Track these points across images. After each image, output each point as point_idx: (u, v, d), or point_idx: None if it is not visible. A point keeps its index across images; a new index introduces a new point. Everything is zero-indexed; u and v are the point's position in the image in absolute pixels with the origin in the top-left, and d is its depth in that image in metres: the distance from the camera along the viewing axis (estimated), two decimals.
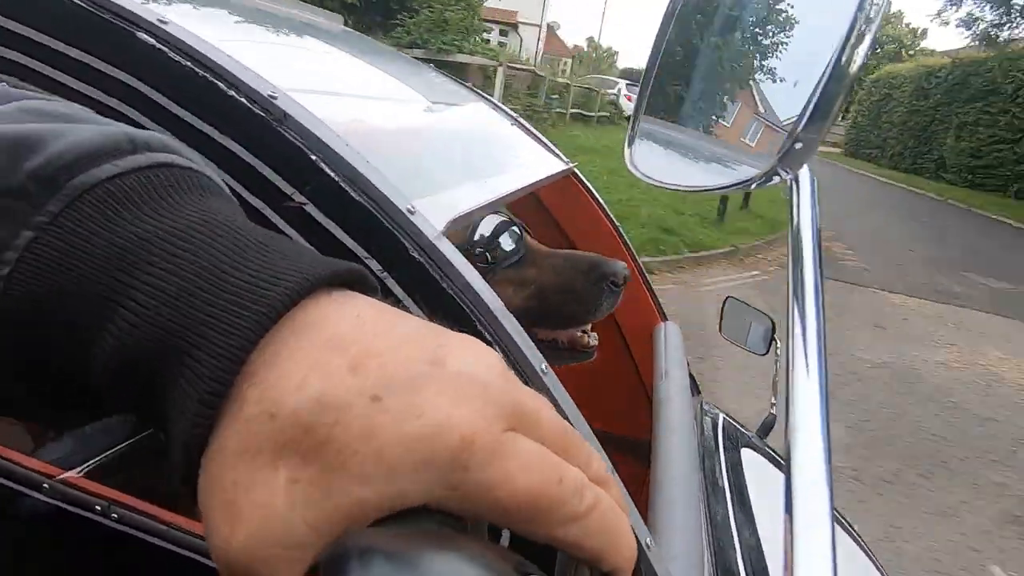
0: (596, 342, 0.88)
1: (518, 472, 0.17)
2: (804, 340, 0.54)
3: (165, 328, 0.17)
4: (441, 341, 0.18)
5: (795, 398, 0.51)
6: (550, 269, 0.85)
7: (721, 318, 1.23)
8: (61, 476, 0.61)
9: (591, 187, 1.15)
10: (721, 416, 1.15)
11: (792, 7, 0.78)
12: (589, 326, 0.88)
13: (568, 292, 0.83)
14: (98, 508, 0.59)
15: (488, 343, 0.43)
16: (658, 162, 0.80)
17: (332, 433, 0.16)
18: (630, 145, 0.80)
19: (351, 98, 0.53)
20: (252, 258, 0.18)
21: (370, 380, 0.17)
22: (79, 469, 0.63)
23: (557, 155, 1.07)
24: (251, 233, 0.20)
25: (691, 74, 0.84)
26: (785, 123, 0.64)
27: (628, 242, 1.16)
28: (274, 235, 0.20)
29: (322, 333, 0.18)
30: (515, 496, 0.16)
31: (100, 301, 0.18)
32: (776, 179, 0.60)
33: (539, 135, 1.11)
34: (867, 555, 0.99)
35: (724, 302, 1.23)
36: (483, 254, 0.78)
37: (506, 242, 0.80)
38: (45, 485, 0.60)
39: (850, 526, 1.04)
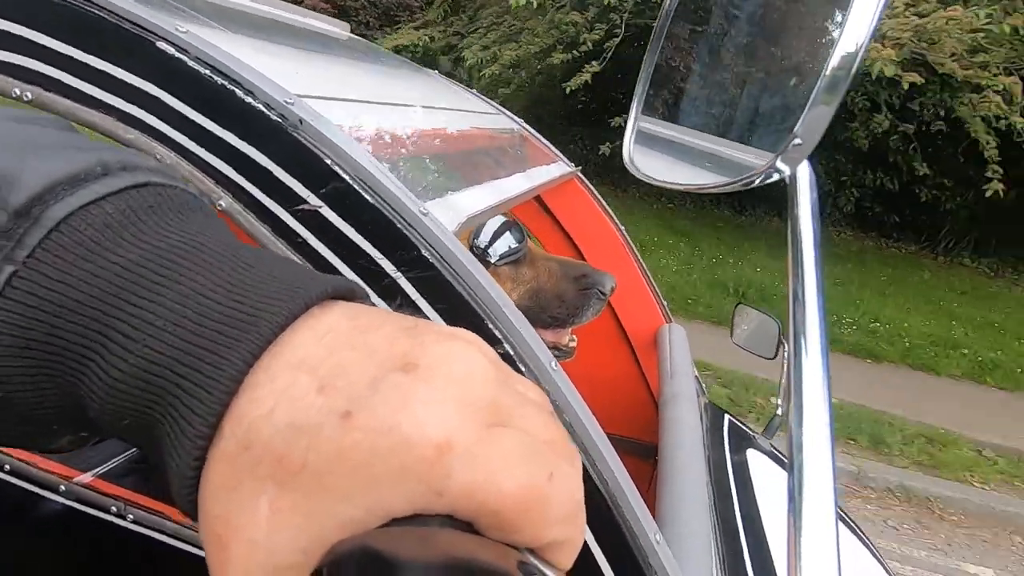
0: (575, 343, 0.95)
1: (503, 471, 0.16)
2: (806, 339, 0.54)
3: (152, 360, 0.17)
4: (415, 342, 0.18)
5: (798, 396, 0.51)
6: (546, 272, 0.91)
7: (732, 325, 1.23)
8: (78, 478, 0.62)
9: (594, 190, 1.17)
10: (727, 417, 1.15)
11: (791, 2, 0.79)
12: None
13: (559, 296, 0.90)
14: (114, 509, 0.60)
15: (498, 341, 0.44)
16: (657, 161, 0.80)
17: (307, 458, 0.16)
18: (629, 144, 0.81)
19: (363, 104, 0.55)
20: (237, 282, 0.18)
21: (339, 398, 0.16)
22: (95, 471, 0.64)
23: (561, 159, 1.08)
24: (236, 254, 0.19)
25: (689, 72, 0.85)
26: (784, 119, 0.65)
27: (631, 244, 1.17)
28: (260, 253, 0.20)
29: (293, 354, 0.17)
30: (502, 496, 0.16)
31: (85, 333, 0.18)
32: (776, 176, 0.61)
33: (543, 139, 1.12)
34: (871, 551, 0.99)
35: (735, 308, 1.24)
36: (485, 249, 0.83)
37: (509, 240, 0.85)
38: (62, 487, 0.61)
39: (853, 523, 1.05)
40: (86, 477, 0.63)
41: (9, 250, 0.18)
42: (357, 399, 0.16)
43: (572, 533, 0.17)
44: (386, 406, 0.16)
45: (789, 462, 0.49)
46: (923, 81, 4.52)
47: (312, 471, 0.16)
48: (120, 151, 0.21)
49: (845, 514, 1.02)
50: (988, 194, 4.91)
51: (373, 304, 0.21)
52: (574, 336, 0.95)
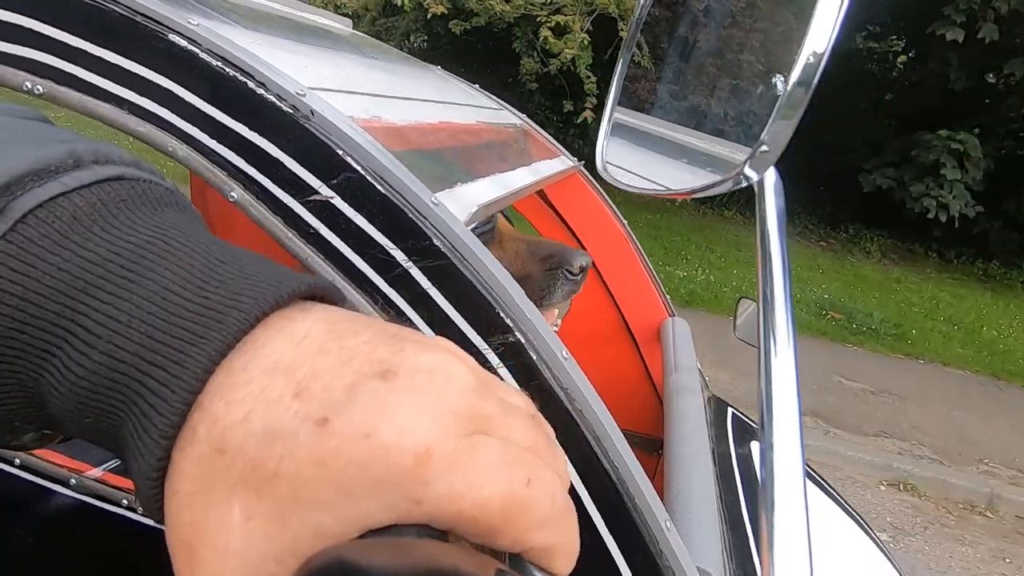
0: (557, 328, 0.93)
1: (482, 478, 0.16)
2: (775, 336, 0.60)
3: (116, 356, 0.17)
4: (395, 349, 0.17)
5: (768, 387, 0.56)
6: (512, 253, 0.87)
7: (735, 319, 1.23)
8: (88, 472, 0.62)
9: (597, 185, 1.17)
10: (730, 410, 1.16)
11: (759, 8, 0.79)
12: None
13: (524, 277, 0.85)
14: (124, 502, 0.61)
15: (509, 330, 0.44)
16: (629, 162, 0.81)
17: (281, 465, 0.15)
18: (602, 142, 0.81)
19: (372, 96, 0.55)
20: (207, 278, 0.18)
21: (315, 404, 0.16)
22: (105, 465, 0.64)
23: (564, 154, 1.09)
24: (208, 250, 0.19)
25: (664, 68, 0.85)
26: (751, 126, 0.66)
27: (634, 237, 1.17)
28: (234, 250, 0.19)
29: (269, 357, 0.17)
30: (481, 503, 0.16)
31: (49, 328, 0.17)
32: (744, 183, 0.62)
33: (546, 135, 1.12)
34: (841, 507, 1.02)
35: (738, 302, 1.24)
36: None
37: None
38: (72, 480, 0.61)
39: (824, 481, 1.07)
40: (96, 471, 0.63)
41: None
42: (334, 405, 0.16)
43: (559, 537, 0.17)
44: (364, 413, 0.16)
45: (761, 449, 0.53)
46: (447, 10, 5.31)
47: (287, 478, 0.15)
48: (94, 143, 0.21)
49: (815, 472, 1.03)
50: (578, 120, 5.62)
51: (352, 305, 0.21)
52: (557, 321, 0.93)
